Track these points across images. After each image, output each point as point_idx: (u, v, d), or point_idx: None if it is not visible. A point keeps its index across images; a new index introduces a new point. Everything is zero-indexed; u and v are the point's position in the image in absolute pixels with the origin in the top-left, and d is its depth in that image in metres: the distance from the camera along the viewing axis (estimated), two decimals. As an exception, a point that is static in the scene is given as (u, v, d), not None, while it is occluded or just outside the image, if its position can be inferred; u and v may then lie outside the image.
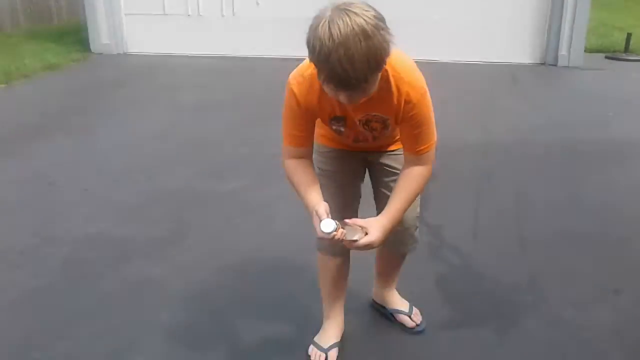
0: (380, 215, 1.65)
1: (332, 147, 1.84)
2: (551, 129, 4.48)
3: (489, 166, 3.66)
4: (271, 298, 2.32)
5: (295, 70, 1.61)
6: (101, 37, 7.19)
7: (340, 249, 1.78)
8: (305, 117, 1.63)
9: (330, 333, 1.99)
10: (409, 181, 1.64)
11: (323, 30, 1.29)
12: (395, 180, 1.72)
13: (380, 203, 1.80)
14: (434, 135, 1.63)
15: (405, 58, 1.57)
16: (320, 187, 1.70)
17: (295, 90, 1.59)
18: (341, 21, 1.28)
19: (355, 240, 1.56)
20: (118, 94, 5.55)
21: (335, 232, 1.52)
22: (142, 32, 7.20)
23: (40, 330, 2.12)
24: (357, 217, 1.72)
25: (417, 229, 1.97)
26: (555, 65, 6.56)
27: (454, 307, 2.25)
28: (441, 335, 2.09)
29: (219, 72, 6.44)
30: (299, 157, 1.69)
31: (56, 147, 4.05)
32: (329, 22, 1.29)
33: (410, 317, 2.10)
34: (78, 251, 2.65)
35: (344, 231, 1.55)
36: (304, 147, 1.69)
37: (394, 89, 1.52)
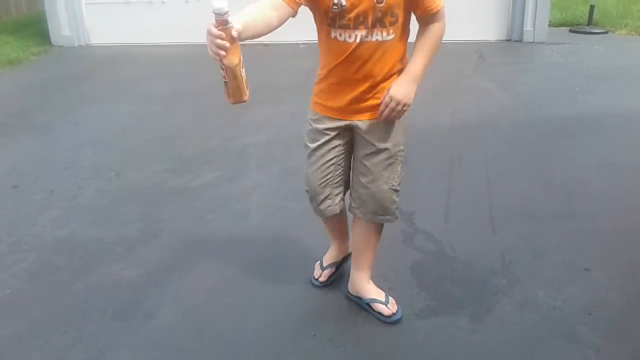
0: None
1: (324, 114, 1.97)
2: (518, 106, 4.52)
3: (458, 148, 3.68)
4: (248, 293, 2.31)
5: None
6: (62, 29, 6.99)
7: (325, 212, 2.07)
8: None
9: (332, 254, 2.33)
10: (426, 36, 1.85)
11: None
12: (370, 157, 1.93)
13: (354, 175, 2.01)
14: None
15: None
16: (310, 164, 2.00)
17: None
18: None
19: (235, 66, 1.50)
20: (82, 88, 5.42)
21: (227, 13, 1.42)
22: (104, 22, 7.03)
23: (10, 342, 2.08)
24: (346, 188, 2.07)
25: (395, 204, 2.01)
26: (521, 41, 6.60)
27: (429, 294, 2.26)
28: (417, 323, 2.10)
29: (184, 61, 6.32)
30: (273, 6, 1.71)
31: (20, 147, 3.94)
32: None
33: (386, 305, 2.13)
34: (46, 257, 2.59)
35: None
36: (290, 4, 1.72)
37: None
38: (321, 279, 2.32)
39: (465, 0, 6.55)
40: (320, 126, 1.97)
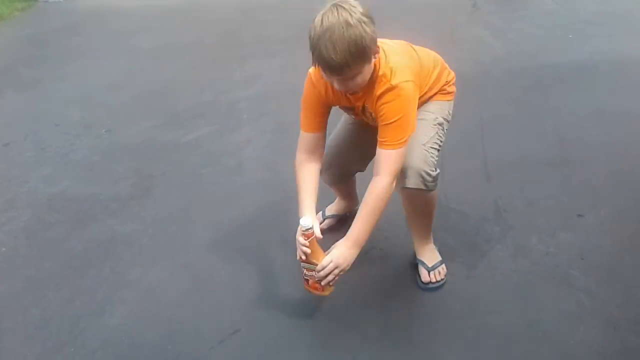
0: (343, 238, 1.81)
1: None
2: (513, 54, 4.45)
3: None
4: (245, 247, 2.32)
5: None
6: (45, -17, 6.81)
7: (331, 180, 2.22)
8: (320, 100, 1.86)
9: (336, 207, 2.40)
10: (371, 199, 1.78)
11: (318, 20, 1.60)
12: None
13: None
14: (401, 139, 1.74)
15: (402, 57, 1.79)
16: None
17: (313, 77, 1.85)
18: (331, 13, 1.59)
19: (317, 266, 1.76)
20: (68, 43, 5.31)
21: (311, 229, 1.73)
22: (88, -25, 6.84)
23: (9, 298, 2.10)
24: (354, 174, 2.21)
25: (430, 174, 1.85)
26: (516, -13, 6.46)
27: (424, 243, 2.27)
28: (412, 272, 2.12)
29: (174, 13, 6.19)
30: (310, 149, 1.91)
31: (8, 105, 3.89)
32: (322, 14, 1.60)
33: (429, 272, 2.06)
34: (40, 214, 2.60)
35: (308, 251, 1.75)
36: (315, 132, 1.90)
37: (377, 84, 1.73)
38: (322, 226, 2.26)
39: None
40: None
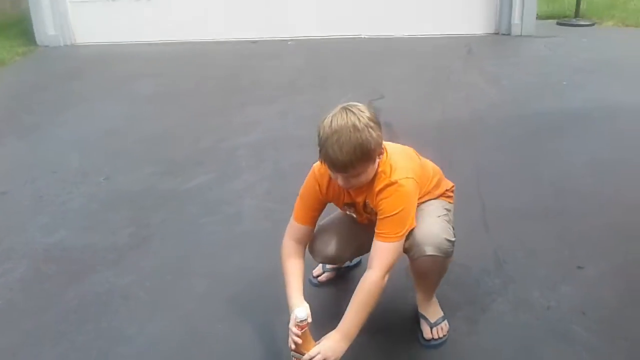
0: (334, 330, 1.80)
1: None
2: (507, 101, 4.53)
3: (448, 144, 3.67)
4: (242, 298, 2.30)
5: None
6: (47, 28, 6.88)
7: (320, 261, 2.22)
8: (318, 197, 1.95)
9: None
10: (362, 293, 1.79)
11: (327, 121, 1.71)
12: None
13: None
14: (398, 233, 1.79)
15: (402, 157, 1.88)
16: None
17: (317, 172, 1.93)
18: (340, 116, 1.70)
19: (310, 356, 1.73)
20: (68, 88, 5.35)
21: (305, 320, 1.73)
22: (90, 21, 6.93)
23: (5, 353, 2.06)
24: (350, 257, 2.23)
25: (450, 240, 1.90)
26: (509, 34, 6.59)
27: (424, 296, 2.26)
28: (413, 326, 2.10)
29: (172, 58, 6.28)
30: (298, 239, 1.99)
31: (7, 151, 3.90)
32: (332, 116, 1.71)
33: (431, 329, 2.05)
34: (37, 265, 2.57)
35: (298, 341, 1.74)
36: (306, 225, 1.98)
37: (376, 180, 1.81)
38: (320, 279, 2.36)
39: (453, -6, 6.57)
40: None
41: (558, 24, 7.24)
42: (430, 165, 2.09)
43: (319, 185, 1.92)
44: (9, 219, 2.98)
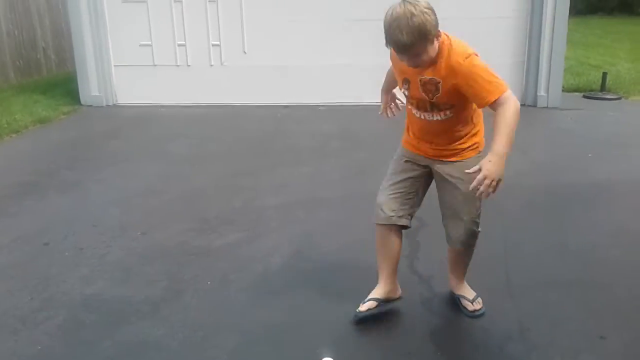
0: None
1: (408, 149, 2.49)
2: (534, 172, 4.61)
3: (475, 212, 3.75)
4: (270, 355, 2.36)
5: None
6: (91, 89, 7.29)
7: (386, 218, 2.44)
8: (397, 61, 2.30)
9: (377, 290, 2.54)
10: (497, 120, 2.14)
11: (388, 12, 2.08)
12: (451, 190, 2.40)
13: (443, 208, 2.49)
14: (498, 86, 2.14)
15: (462, 41, 2.22)
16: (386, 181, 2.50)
17: (392, 53, 2.27)
18: (399, 7, 2.06)
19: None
20: (109, 147, 5.63)
21: None
22: (132, 84, 7.32)
23: (42, 398, 2.15)
24: (410, 210, 2.48)
25: (476, 229, 2.49)
26: (535, 106, 6.74)
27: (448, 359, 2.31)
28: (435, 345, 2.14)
29: (208, 121, 6.56)
30: (388, 80, 2.62)
31: (49, 205, 4.10)
32: (392, 8, 2.08)
33: (472, 303, 2.58)
34: (75, 314, 2.69)
35: None
36: (393, 78, 2.52)
37: (444, 58, 2.16)
38: (361, 308, 2.51)
39: (480, 67, 6.76)
40: (403, 157, 2.49)
41: (584, 97, 7.38)
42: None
43: (392, 60, 2.35)
44: (50, 269, 3.12)
